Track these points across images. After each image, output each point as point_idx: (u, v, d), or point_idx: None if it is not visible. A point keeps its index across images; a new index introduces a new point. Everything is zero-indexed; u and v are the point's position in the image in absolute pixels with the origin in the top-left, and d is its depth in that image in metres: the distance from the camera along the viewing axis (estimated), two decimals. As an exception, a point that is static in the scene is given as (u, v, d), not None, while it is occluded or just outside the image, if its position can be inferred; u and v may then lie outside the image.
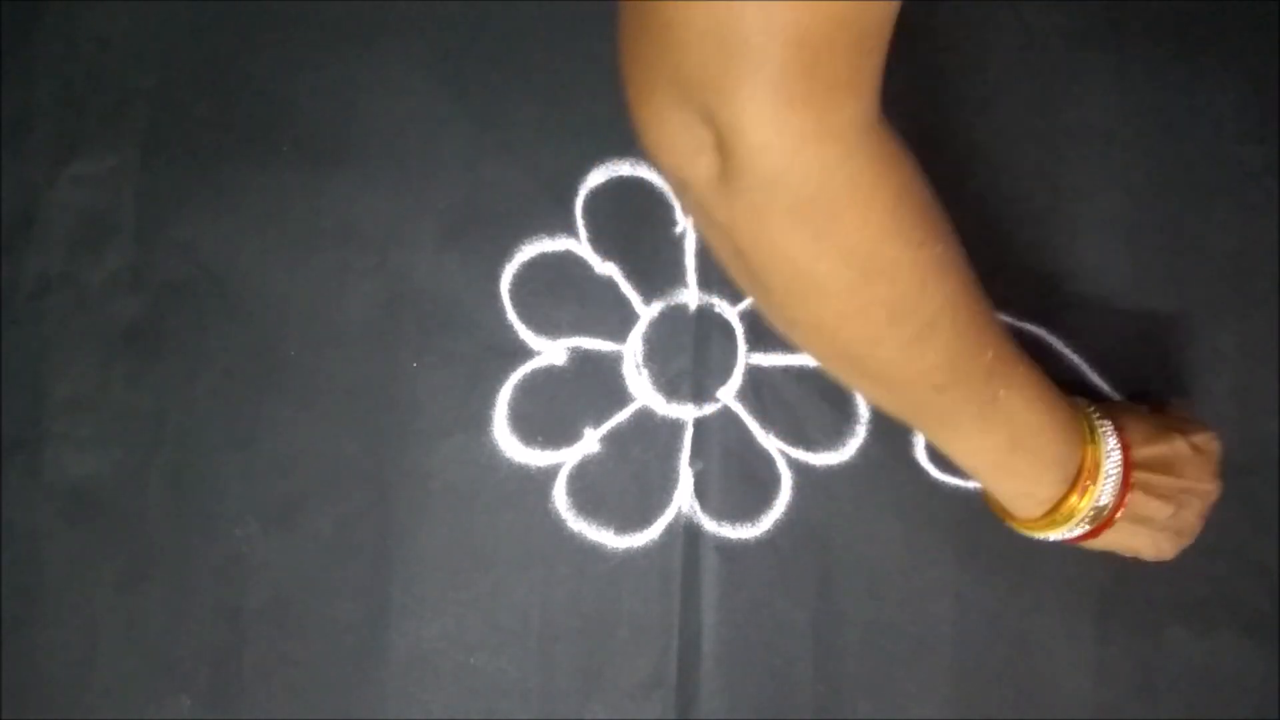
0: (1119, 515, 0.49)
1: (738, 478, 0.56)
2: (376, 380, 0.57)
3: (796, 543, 0.56)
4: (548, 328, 0.57)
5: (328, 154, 0.58)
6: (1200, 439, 0.51)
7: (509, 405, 0.57)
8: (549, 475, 0.57)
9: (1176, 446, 0.50)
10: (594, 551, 0.57)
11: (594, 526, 0.57)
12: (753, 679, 0.56)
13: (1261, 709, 0.55)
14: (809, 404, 0.57)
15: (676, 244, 0.57)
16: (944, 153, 0.57)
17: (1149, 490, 0.49)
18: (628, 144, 0.57)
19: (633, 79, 0.37)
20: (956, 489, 0.56)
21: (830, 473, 0.57)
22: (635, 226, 0.57)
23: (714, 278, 0.57)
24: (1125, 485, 0.48)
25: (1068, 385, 0.56)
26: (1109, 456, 0.48)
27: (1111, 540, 0.50)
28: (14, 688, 0.57)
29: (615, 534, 0.57)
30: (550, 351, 0.57)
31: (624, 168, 0.57)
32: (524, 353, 0.57)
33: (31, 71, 0.58)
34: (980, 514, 0.56)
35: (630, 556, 0.56)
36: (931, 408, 0.44)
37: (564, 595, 0.56)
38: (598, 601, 0.56)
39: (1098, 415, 0.49)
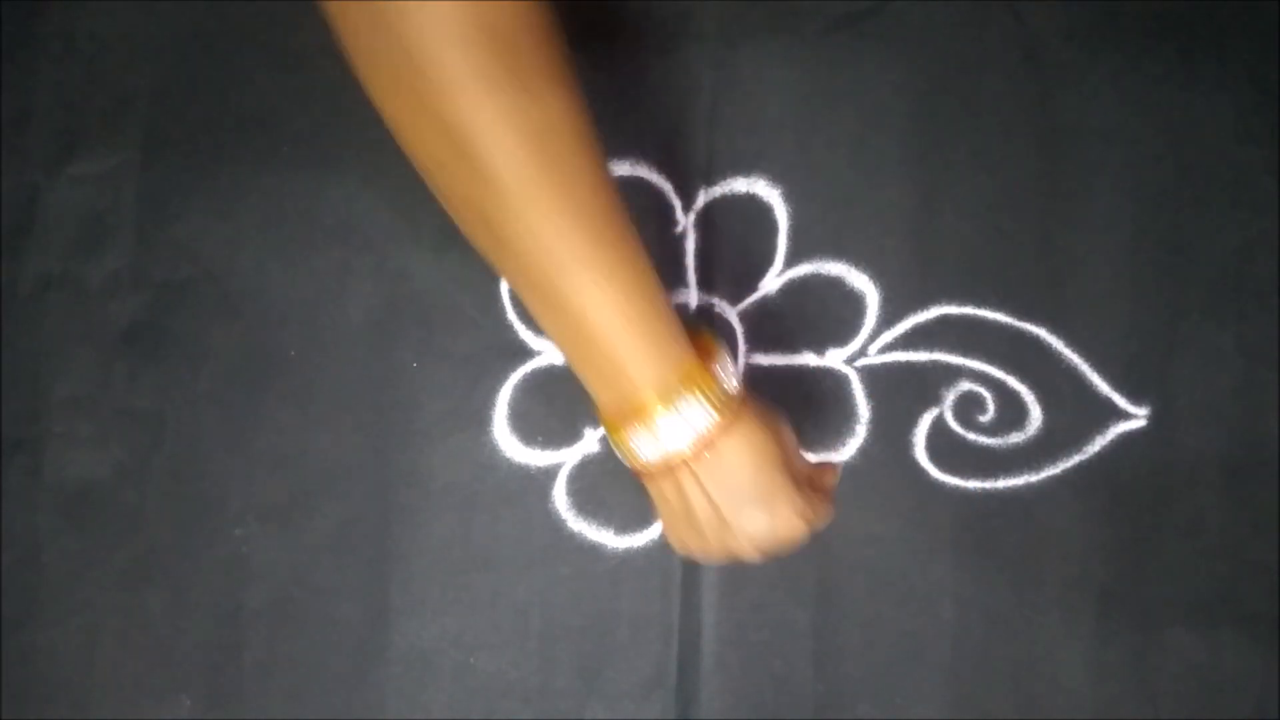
0: (654, 479, 0.46)
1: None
2: (376, 380, 0.57)
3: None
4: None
5: (328, 154, 0.58)
6: (783, 512, 0.46)
7: (509, 405, 0.57)
8: (549, 475, 0.57)
9: (757, 489, 0.45)
10: (594, 551, 0.57)
11: (594, 526, 0.57)
12: (753, 679, 0.56)
13: (1261, 709, 0.55)
14: (809, 404, 0.57)
15: (676, 244, 0.57)
16: (944, 152, 0.57)
17: (687, 493, 0.46)
18: (628, 144, 0.57)
19: None
20: (956, 489, 0.56)
21: (830, 473, 0.57)
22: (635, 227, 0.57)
23: (714, 278, 0.57)
24: (682, 464, 0.45)
25: (1067, 386, 0.56)
26: (660, 425, 0.44)
27: (650, 491, 0.48)
28: (14, 688, 0.57)
29: (615, 534, 0.57)
30: (550, 351, 0.57)
31: (624, 168, 0.57)
32: (524, 352, 0.57)
33: (31, 71, 0.58)
34: (980, 514, 0.56)
35: (630, 556, 0.57)
36: (493, 252, 0.43)
37: (564, 595, 0.56)
38: (598, 601, 0.56)
39: (706, 398, 0.44)
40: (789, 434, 0.48)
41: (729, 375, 0.46)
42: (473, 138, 0.39)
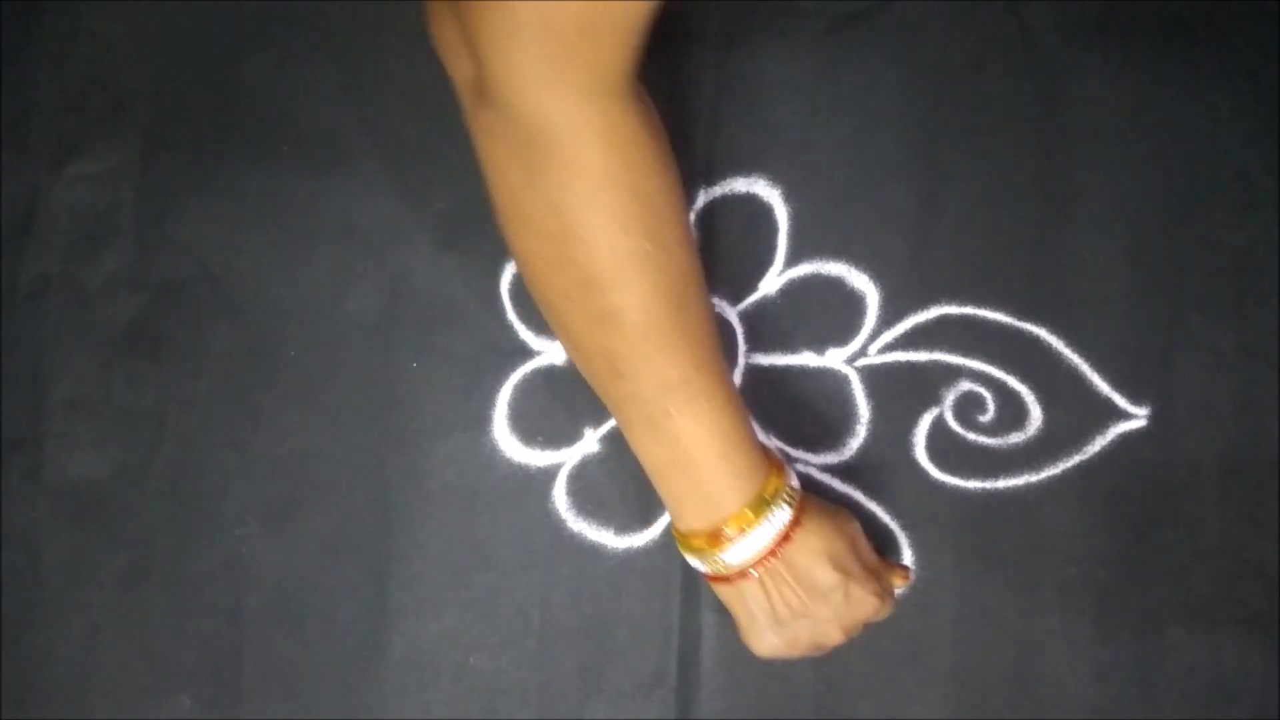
0: (732, 582, 0.49)
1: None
2: (376, 380, 0.57)
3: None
4: (548, 328, 0.57)
5: (328, 154, 0.58)
6: (859, 597, 0.49)
7: (509, 405, 0.57)
8: (549, 475, 0.57)
9: (834, 579, 0.48)
10: (594, 551, 0.57)
11: (594, 526, 0.57)
12: (753, 679, 0.56)
13: (1261, 709, 0.55)
14: (809, 404, 0.57)
15: (676, 244, 0.57)
16: (944, 152, 0.57)
17: (769, 590, 0.48)
18: (628, 144, 0.56)
19: None
20: (956, 489, 0.56)
21: (830, 473, 0.57)
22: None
23: (714, 278, 0.57)
24: (760, 562, 0.47)
25: (1067, 386, 0.56)
26: (752, 533, 0.47)
27: (724, 596, 0.50)
28: (14, 688, 0.57)
29: (615, 534, 0.57)
30: (550, 351, 0.57)
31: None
32: (524, 352, 0.57)
33: (31, 71, 0.58)
34: (980, 514, 0.56)
35: (630, 556, 0.57)
36: (605, 385, 0.46)
37: (564, 595, 0.56)
38: (598, 602, 0.56)
39: (785, 499, 0.48)
40: (855, 525, 0.51)
41: (793, 474, 0.50)
42: (614, 289, 0.42)
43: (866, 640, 0.55)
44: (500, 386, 0.57)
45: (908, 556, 0.56)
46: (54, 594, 0.57)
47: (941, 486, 0.56)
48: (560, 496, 0.57)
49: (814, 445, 0.57)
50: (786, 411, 0.57)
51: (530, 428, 0.57)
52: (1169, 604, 0.55)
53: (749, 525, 0.47)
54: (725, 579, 0.49)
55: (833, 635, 0.49)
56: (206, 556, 0.57)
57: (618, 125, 0.41)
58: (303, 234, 0.57)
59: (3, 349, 0.57)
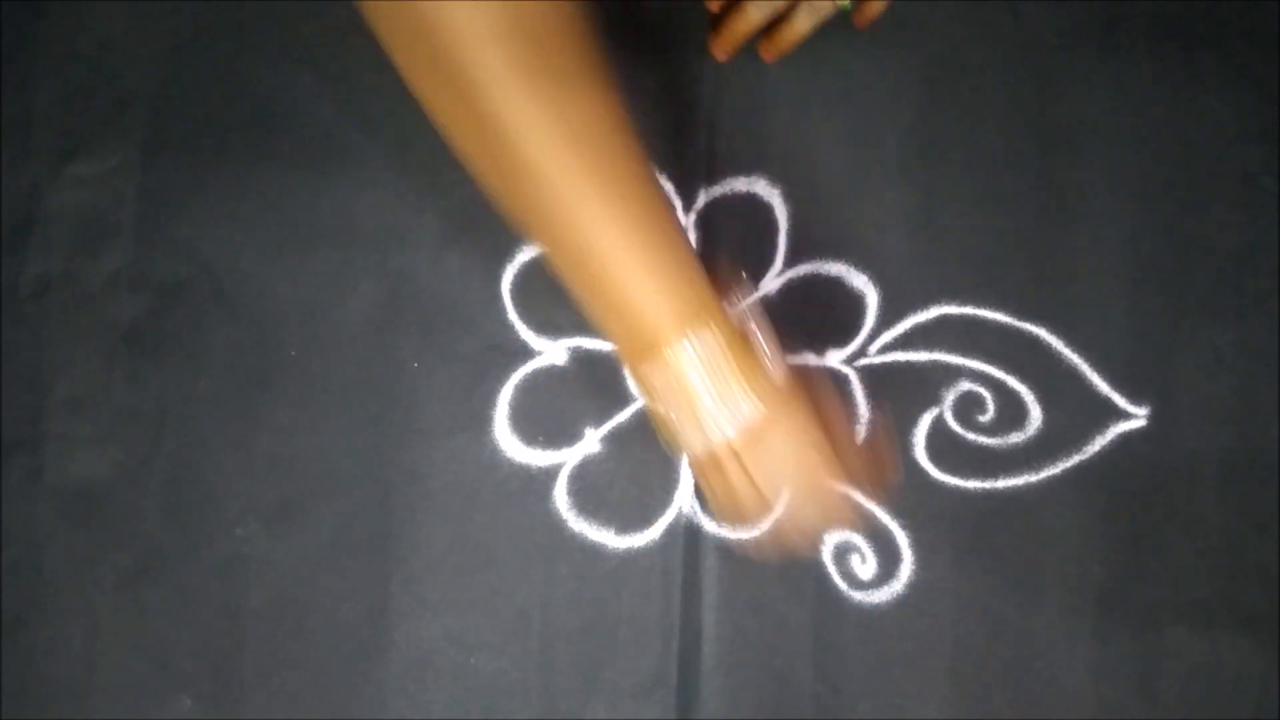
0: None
1: (738, 478, 0.56)
2: (377, 380, 0.57)
3: (797, 543, 0.56)
4: (549, 328, 0.57)
5: (328, 154, 0.58)
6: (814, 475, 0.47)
7: (510, 405, 0.57)
8: (550, 475, 0.57)
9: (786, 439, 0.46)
10: (595, 551, 0.57)
11: (595, 526, 0.57)
12: (753, 679, 0.56)
13: (1261, 709, 0.55)
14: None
15: (677, 244, 0.57)
16: (944, 152, 0.57)
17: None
18: (628, 144, 0.56)
19: None
20: (956, 489, 0.56)
21: (830, 473, 0.57)
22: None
23: (714, 278, 0.57)
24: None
25: (1067, 386, 0.56)
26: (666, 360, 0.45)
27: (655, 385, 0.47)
28: (14, 688, 0.57)
29: (616, 534, 0.57)
30: (551, 351, 0.57)
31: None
32: (525, 353, 0.57)
33: (32, 72, 0.58)
34: (980, 514, 0.56)
35: (631, 556, 0.57)
36: (525, 220, 0.44)
37: (565, 595, 0.56)
38: (598, 601, 0.56)
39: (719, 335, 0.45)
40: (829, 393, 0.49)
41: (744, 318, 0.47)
42: (509, 131, 0.40)
43: (866, 640, 0.55)
44: (501, 386, 0.57)
45: (908, 556, 0.56)
46: (54, 594, 0.57)
47: (941, 486, 0.56)
48: (561, 496, 0.57)
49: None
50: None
51: (531, 428, 0.57)
52: (1169, 604, 0.55)
53: (677, 343, 0.44)
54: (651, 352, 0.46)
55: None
56: (207, 556, 0.57)
57: None
58: (303, 234, 0.57)
59: (3, 349, 0.57)
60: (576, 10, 0.42)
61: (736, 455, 0.46)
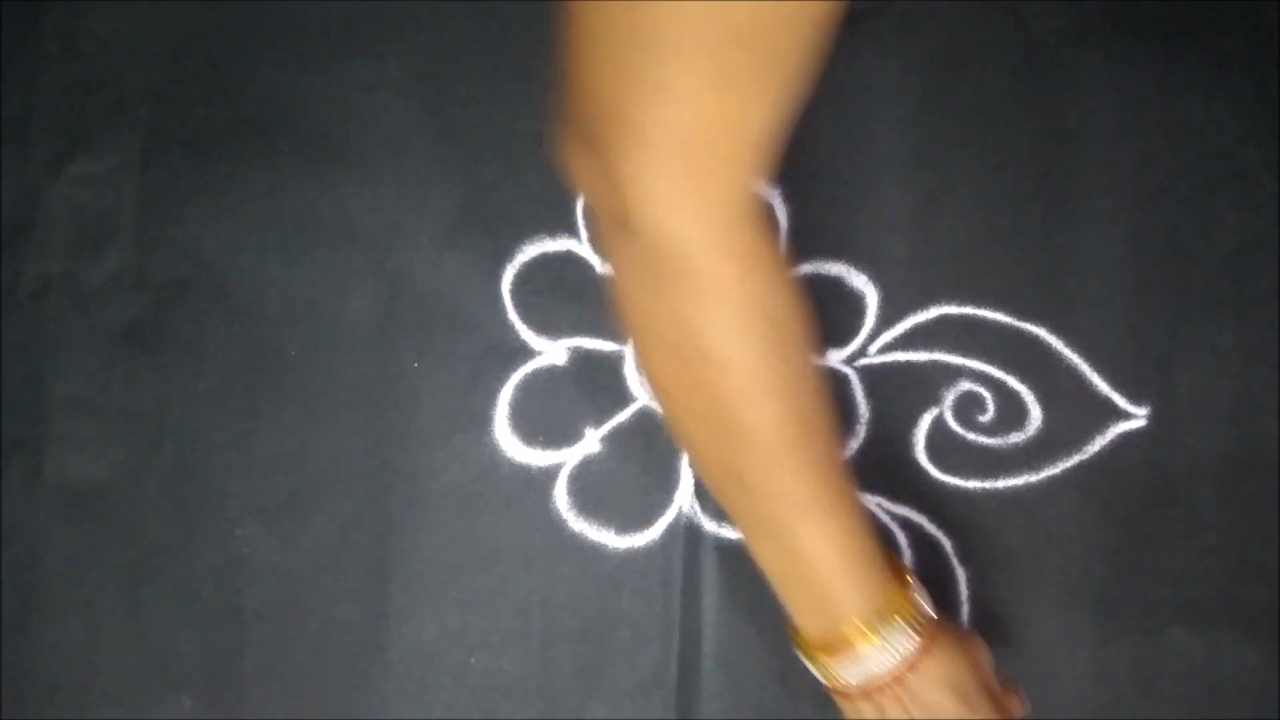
0: (851, 699, 0.48)
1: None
2: (377, 380, 0.57)
3: (797, 543, 0.56)
4: (549, 328, 0.57)
5: (328, 154, 0.58)
6: None
7: (510, 405, 0.57)
8: (550, 475, 0.57)
9: (953, 708, 0.47)
10: (595, 551, 0.57)
11: (595, 526, 0.57)
12: (753, 679, 0.56)
13: (1261, 709, 0.55)
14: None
15: (677, 244, 0.57)
16: (944, 152, 0.57)
17: (887, 715, 0.47)
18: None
19: (560, 106, 0.41)
20: (956, 489, 0.56)
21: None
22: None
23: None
24: (883, 688, 0.46)
25: (1067, 386, 0.56)
26: (872, 653, 0.46)
27: (841, 707, 0.49)
28: (14, 688, 0.57)
29: (616, 534, 0.57)
30: (551, 351, 0.57)
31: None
32: (525, 353, 0.57)
33: (32, 71, 0.58)
34: (980, 514, 0.56)
35: (631, 556, 0.56)
36: (730, 497, 0.46)
37: (565, 595, 0.56)
38: (598, 601, 0.56)
39: (911, 623, 0.47)
40: (984, 653, 0.50)
41: (924, 598, 0.48)
42: (738, 403, 0.42)
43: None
44: (501, 386, 0.57)
45: (908, 556, 0.56)
46: (54, 594, 0.57)
47: (941, 486, 0.56)
48: (561, 496, 0.57)
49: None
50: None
51: (531, 428, 0.57)
52: (1169, 604, 0.55)
53: (867, 642, 0.46)
54: (844, 694, 0.48)
55: None
56: (207, 556, 0.57)
57: (752, 248, 0.41)
58: (303, 234, 0.57)
59: (3, 349, 0.57)
60: (801, 289, 0.44)
61: (891, 689, 0.47)
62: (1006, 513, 0.56)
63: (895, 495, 0.57)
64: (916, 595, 0.48)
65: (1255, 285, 0.56)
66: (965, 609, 0.56)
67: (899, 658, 0.46)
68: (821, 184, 0.57)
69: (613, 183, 0.39)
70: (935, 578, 0.56)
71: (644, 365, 0.45)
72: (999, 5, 0.57)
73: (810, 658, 0.48)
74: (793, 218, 0.57)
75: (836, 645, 0.46)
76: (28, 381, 0.57)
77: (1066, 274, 0.56)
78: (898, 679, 0.46)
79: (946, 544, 0.56)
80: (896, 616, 0.46)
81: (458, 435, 0.57)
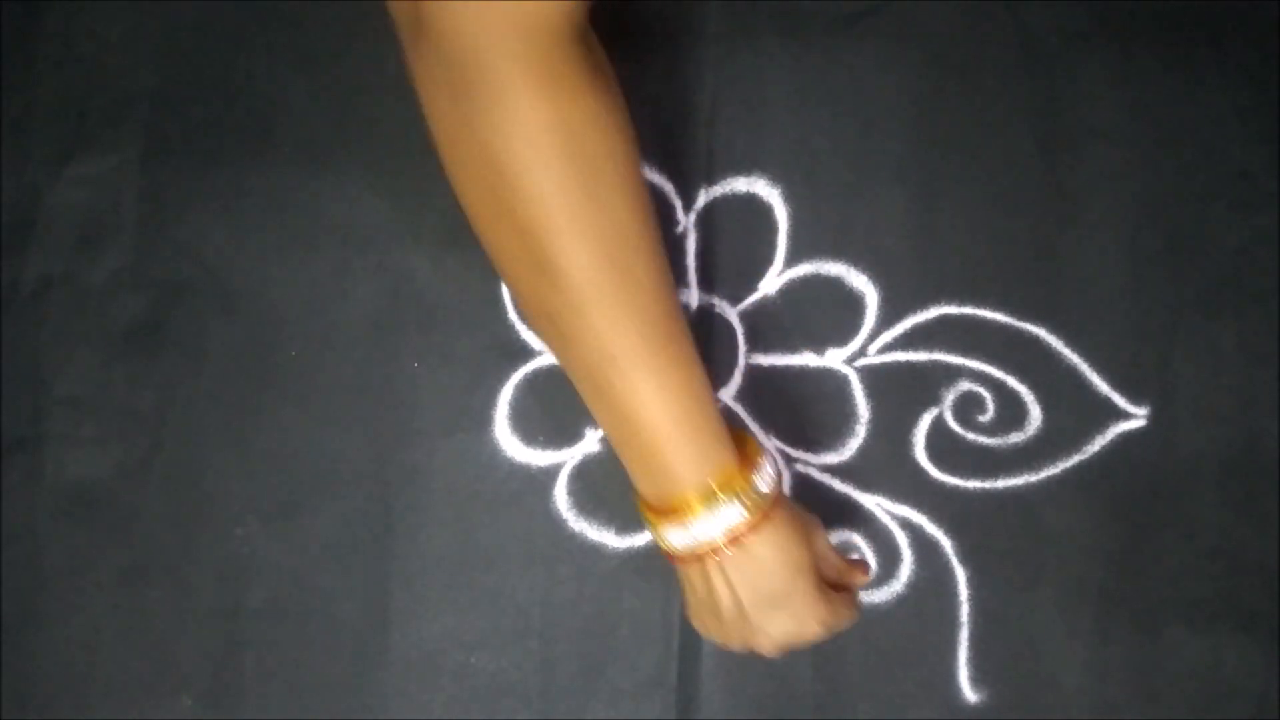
0: (678, 562, 0.47)
1: (738, 478, 0.56)
2: (377, 380, 0.57)
3: (797, 543, 0.56)
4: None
5: (328, 154, 0.58)
6: (804, 612, 0.47)
7: (510, 405, 0.57)
8: (550, 475, 0.57)
9: (780, 589, 0.46)
10: (595, 551, 0.57)
11: (595, 526, 0.57)
12: (753, 679, 0.56)
13: (1261, 709, 0.55)
14: (809, 404, 0.57)
15: (677, 244, 0.57)
16: (944, 152, 0.57)
17: (712, 582, 0.46)
18: (628, 144, 0.56)
19: None
20: (956, 489, 0.56)
21: (830, 472, 0.57)
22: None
23: (714, 278, 0.57)
24: (705, 555, 0.46)
25: (1067, 386, 0.56)
26: (695, 522, 0.45)
27: (679, 572, 0.49)
28: (14, 688, 0.57)
29: (616, 534, 0.57)
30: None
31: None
32: (525, 352, 0.57)
33: (32, 72, 0.58)
34: (980, 514, 0.56)
35: (631, 556, 0.57)
36: (552, 345, 0.45)
37: (565, 595, 0.56)
38: (599, 601, 0.56)
39: (743, 498, 0.45)
40: (821, 538, 0.50)
41: (765, 479, 0.47)
42: (549, 244, 0.40)
43: (866, 640, 0.55)
44: (501, 386, 0.57)
45: (907, 556, 0.56)
46: (54, 594, 0.57)
47: (941, 486, 0.56)
48: (561, 496, 0.57)
49: (814, 445, 0.57)
50: (786, 411, 0.57)
51: (531, 427, 0.57)
52: (1169, 604, 0.55)
53: (690, 513, 0.45)
54: (678, 560, 0.47)
55: (765, 646, 0.48)
56: (206, 556, 0.57)
57: (558, 73, 0.39)
58: (303, 234, 0.57)
59: (3, 349, 0.57)
60: (626, 122, 0.42)
61: (715, 558, 0.46)
62: (1006, 513, 0.56)
63: (895, 495, 0.57)
64: (757, 475, 0.46)
65: (1255, 285, 0.56)
66: (965, 609, 0.56)
67: (725, 529, 0.45)
68: (821, 184, 0.57)
69: None
70: (935, 578, 0.56)
71: (454, 187, 0.43)
72: (999, 5, 0.57)
73: (645, 519, 0.47)
74: (793, 218, 0.57)
75: (666, 511, 0.45)
76: (28, 381, 0.57)
77: (1066, 274, 0.56)
78: (717, 550, 0.45)
79: (946, 544, 0.56)
80: (731, 494, 0.45)
81: (458, 435, 0.57)
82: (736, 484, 0.45)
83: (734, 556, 0.46)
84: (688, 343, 0.45)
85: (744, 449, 0.47)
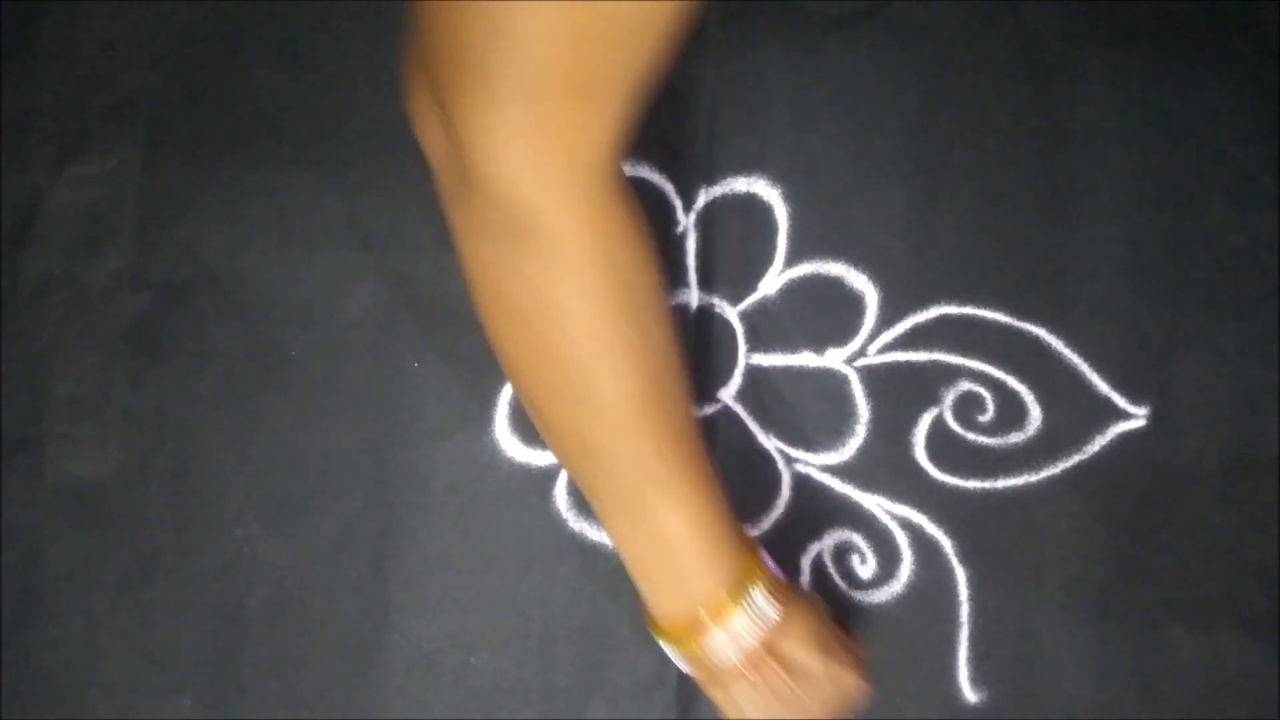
0: (723, 683, 0.47)
1: (738, 478, 0.56)
2: (377, 380, 0.57)
3: (795, 543, 0.56)
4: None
5: (328, 154, 0.58)
6: (847, 679, 0.48)
7: (510, 405, 0.57)
8: (550, 475, 0.57)
9: (823, 665, 0.47)
10: (595, 551, 0.57)
11: (595, 526, 0.57)
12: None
13: (1261, 709, 0.55)
14: (809, 404, 0.57)
15: (677, 244, 0.57)
16: (944, 152, 0.57)
17: (761, 689, 0.47)
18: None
19: (408, 50, 0.39)
20: (956, 489, 0.56)
21: (830, 472, 0.57)
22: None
23: (714, 278, 0.57)
24: (751, 662, 0.46)
25: (1067, 386, 0.56)
26: (734, 624, 0.45)
27: (716, 699, 0.49)
28: (14, 688, 0.57)
29: (616, 534, 0.57)
30: (551, 351, 0.57)
31: (625, 168, 0.57)
32: (524, 353, 0.57)
33: (32, 72, 0.58)
34: (980, 514, 0.56)
35: (631, 556, 0.56)
36: (582, 472, 0.45)
37: (565, 595, 0.56)
38: (598, 601, 0.56)
39: (767, 589, 0.46)
40: (823, 606, 0.50)
41: (772, 565, 0.48)
42: (594, 378, 0.41)
43: (866, 640, 0.55)
44: (501, 386, 0.57)
45: (907, 556, 0.56)
46: (54, 594, 0.57)
47: (941, 486, 0.56)
48: (561, 496, 0.57)
49: (814, 445, 0.57)
50: (786, 411, 0.57)
51: (532, 427, 0.57)
52: (1169, 604, 0.55)
53: (726, 613, 0.45)
54: (715, 679, 0.47)
55: (819, 715, 0.48)
56: (207, 556, 0.57)
57: (602, 210, 0.39)
58: (303, 234, 0.57)
59: (3, 349, 0.57)
60: (654, 248, 0.42)
61: (767, 660, 0.46)
62: (1006, 513, 0.56)
63: (895, 495, 0.57)
64: (766, 559, 0.48)
65: (1255, 285, 0.56)
66: (965, 609, 0.56)
67: (765, 625, 0.45)
68: (821, 184, 0.57)
69: (456, 133, 0.37)
70: (935, 578, 0.56)
71: (489, 331, 0.43)
72: (999, 5, 0.57)
73: (675, 645, 0.47)
74: (793, 218, 0.57)
75: (699, 624, 0.45)
76: (28, 381, 0.57)
77: (1066, 274, 0.56)
78: (768, 647, 0.46)
79: (946, 544, 0.56)
80: (754, 585, 0.45)
81: (458, 435, 0.57)
82: (756, 572, 0.46)
83: (777, 648, 0.46)
84: (705, 446, 0.45)
85: (746, 540, 0.48)
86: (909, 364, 0.57)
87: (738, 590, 0.45)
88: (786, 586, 0.48)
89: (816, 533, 0.57)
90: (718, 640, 0.46)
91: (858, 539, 0.57)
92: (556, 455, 0.47)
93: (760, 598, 0.46)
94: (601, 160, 0.38)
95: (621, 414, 0.42)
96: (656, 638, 0.48)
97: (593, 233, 0.39)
